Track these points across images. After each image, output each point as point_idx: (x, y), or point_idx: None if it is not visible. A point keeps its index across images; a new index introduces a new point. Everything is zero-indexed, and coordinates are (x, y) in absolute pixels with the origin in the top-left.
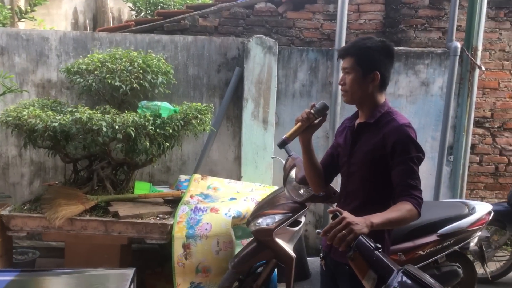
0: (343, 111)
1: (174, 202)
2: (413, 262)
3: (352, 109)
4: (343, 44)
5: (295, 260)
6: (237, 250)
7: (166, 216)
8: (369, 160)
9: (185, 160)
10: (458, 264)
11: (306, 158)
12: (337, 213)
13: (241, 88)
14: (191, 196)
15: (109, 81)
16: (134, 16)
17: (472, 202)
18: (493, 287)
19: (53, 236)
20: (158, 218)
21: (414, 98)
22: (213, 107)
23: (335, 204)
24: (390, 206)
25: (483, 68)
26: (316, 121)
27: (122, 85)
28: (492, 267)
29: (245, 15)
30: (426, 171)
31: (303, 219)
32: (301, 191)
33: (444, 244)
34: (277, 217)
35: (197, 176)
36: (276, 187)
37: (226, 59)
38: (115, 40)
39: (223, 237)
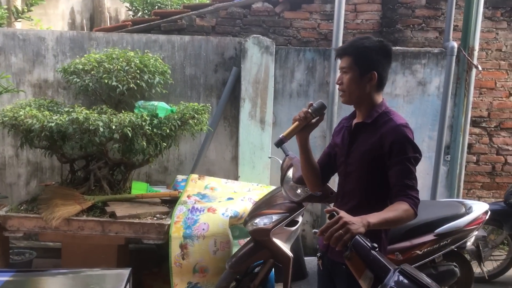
0: (340, 110)
1: (171, 202)
2: (410, 262)
3: (349, 108)
4: (340, 44)
5: (293, 260)
6: (235, 250)
7: (163, 216)
8: (366, 160)
9: (182, 160)
10: (455, 264)
11: (303, 158)
12: (334, 212)
13: (238, 88)
14: (188, 196)
15: (106, 81)
16: (131, 16)
17: (469, 202)
18: (490, 286)
19: (50, 236)
20: (155, 218)
21: (411, 98)
22: (210, 107)
23: (332, 204)
24: (387, 206)
25: (480, 68)
26: (313, 121)
27: (119, 85)
28: (489, 266)
29: (242, 15)
30: (423, 171)
31: (300, 219)
32: (298, 191)
33: (441, 243)
34: (274, 217)
35: (195, 176)
36: (273, 187)
37: (223, 59)
38: (112, 40)
39: (220, 237)
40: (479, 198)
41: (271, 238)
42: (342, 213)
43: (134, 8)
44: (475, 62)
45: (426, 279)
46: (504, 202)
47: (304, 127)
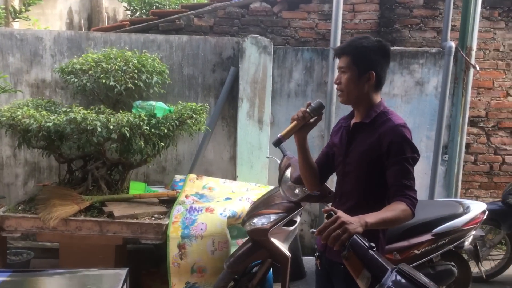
0: (338, 110)
1: (169, 202)
2: (408, 261)
3: (347, 108)
4: (338, 44)
5: (291, 260)
6: (233, 250)
7: (161, 216)
8: (364, 160)
9: (180, 160)
10: (452, 263)
11: (301, 157)
12: (332, 212)
13: (236, 87)
14: (186, 196)
15: (104, 81)
16: (129, 15)
17: (467, 201)
18: (487, 286)
19: (48, 236)
20: (153, 218)
21: (409, 97)
22: (208, 107)
23: (331, 203)
24: (385, 206)
25: (478, 68)
26: (311, 120)
27: (117, 85)
28: (487, 266)
29: (240, 15)
30: (421, 171)
31: (298, 219)
32: (296, 190)
33: (439, 243)
34: (272, 217)
35: (193, 176)
36: (271, 187)
37: (221, 59)
38: (109, 40)
39: (218, 237)
40: (477, 197)
41: (269, 238)
42: (340, 213)
43: (132, 8)
44: (473, 62)
45: (424, 279)
46: (501, 201)
47: (302, 127)
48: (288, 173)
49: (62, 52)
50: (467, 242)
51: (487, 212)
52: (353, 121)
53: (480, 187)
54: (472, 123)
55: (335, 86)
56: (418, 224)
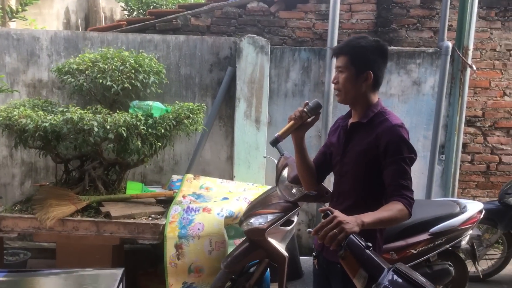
0: (335, 110)
1: (166, 202)
2: (405, 261)
3: (345, 108)
4: (335, 44)
5: (288, 260)
6: (230, 250)
7: (159, 216)
8: (362, 160)
9: (177, 160)
10: (449, 263)
11: (298, 157)
12: (328, 212)
13: (234, 87)
14: (184, 196)
15: (101, 81)
16: (126, 15)
17: (464, 201)
18: (484, 285)
19: (45, 236)
20: (150, 218)
21: (406, 97)
22: (206, 107)
23: (328, 203)
24: (382, 205)
25: (474, 68)
26: (309, 120)
27: (114, 85)
28: (484, 265)
29: (237, 15)
30: (418, 170)
31: (295, 219)
32: (294, 190)
33: (436, 242)
34: (270, 217)
35: (190, 176)
36: (268, 187)
37: (218, 59)
38: (106, 39)
39: (215, 237)
40: (473, 197)
41: (266, 238)
42: (337, 213)
43: (129, 7)
44: (469, 61)
45: (420, 278)
46: (498, 201)
47: (299, 126)
48: (285, 173)
49: (59, 52)
50: (464, 242)
51: (483, 212)
52: (350, 120)
53: (477, 186)
54: (469, 123)
55: (333, 85)
56: (415, 224)
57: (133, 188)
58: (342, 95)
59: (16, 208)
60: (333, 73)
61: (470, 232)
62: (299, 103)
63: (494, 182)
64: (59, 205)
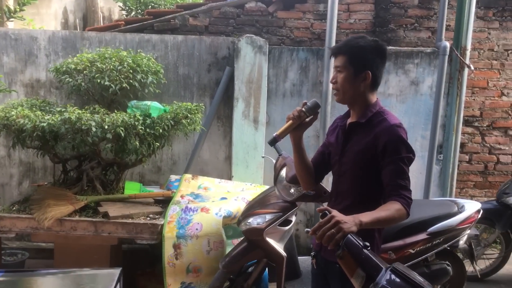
0: (333, 110)
1: (164, 202)
2: (403, 261)
3: (343, 108)
4: (333, 44)
5: (286, 259)
6: (228, 249)
7: (157, 216)
8: (360, 159)
9: (175, 160)
10: (447, 262)
11: (296, 156)
12: (326, 211)
13: (232, 87)
14: (182, 196)
15: (99, 80)
16: (124, 15)
17: (462, 201)
18: (482, 285)
19: (42, 237)
20: (148, 218)
21: (404, 97)
22: (204, 107)
23: (326, 203)
24: (381, 205)
25: (472, 68)
26: (307, 119)
27: (112, 85)
28: (482, 265)
29: (235, 15)
30: (416, 170)
31: (293, 218)
32: (292, 190)
33: (434, 242)
34: (268, 217)
35: (188, 176)
36: (266, 187)
37: (216, 59)
38: (104, 39)
39: (213, 237)
40: (471, 197)
41: (264, 238)
42: (334, 212)
43: (127, 7)
44: (467, 61)
45: (418, 278)
46: (496, 201)
47: (298, 126)
48: (283, 172)
49: (56, 52)
50: (462, 241)
51: (481, 211)
52: (349, 120)
53: (475, 186)
54: (466, 123)
55: (331, 85)
56: (413, 224)
57: (131, 188)
58: (340, 95)
59: (14, 208)
60: (331, 73)
61: (468, 231)
62: (297, 103)
63: (492, 182)
64: (57, 205)
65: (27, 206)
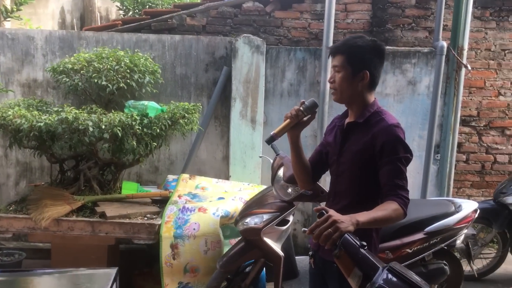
0: (331, 110)
1: (162, 202)
2: (400, 260)
3: (340, 108)
4: (331, 44)
5: (284, 259)
6: (225, 249)
7: (154, 216)
8: (358, 159)
9: (173, 160)
10: (444, 262)
11: (294, 155)
12: (323, 211)
13: (229, 87)
14: (179, 196)
15: (96, 80)
16: (122, 15)
17: (459, 200)
18: (479, 284)
19: (40, 237)
20: (145, 218)
21: (401, 97)
22: (201, 107)
23: (323, 203)
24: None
25: (469, 67)
26: (305, 119)
27: (109, 85)
28: (479, 264)
29: (232, 15)
30: (413, 170)
31: (291, 218)
32: (289, 190)
33: (431, 242)
34: (265, 216)
35: (185, 175)
36: (264, 186)
37: (213, 59)
38: (101, 39)
39: (211, 237)
40: (468, 196)
41: (262, 238)
42: (331, 212)
43: (124, 7)
44: (464, 61)
45: (415, 277)
46: (493, 200)
47: (295, 125)
48: (280, 172)
49: (53, 51)
50: (459, 241)
51: (478, 211)
52: (347, 120)
53: (472, 186)
54: (464, 123)
55: (328, 85)
56: (410, 223)
57: (128, 188)
58: (338, 94)
59: (11, 208)
60: (329, 72)
61: (465, 231)
62: (294, 103)
63: (489, 182)
64: (54, 205)
65: (24, 206)
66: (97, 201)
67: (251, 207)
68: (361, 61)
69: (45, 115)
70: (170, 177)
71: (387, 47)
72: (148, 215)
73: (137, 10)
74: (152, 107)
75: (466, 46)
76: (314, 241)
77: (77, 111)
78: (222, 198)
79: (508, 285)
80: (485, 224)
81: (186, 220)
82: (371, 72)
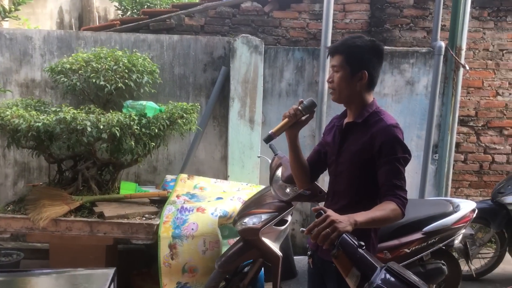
0: (329, 110)
1: (160, 202)
2: (398, 260)
3: (338, 108)
4: (329, 44)
5: (282, 259)
6: (224, 249)
7: (152, 216)
8: (357, 159)
9: (171, 160)
10: (443, 262)
11: (292, 155)
12: (321, 211)
13: (228, 87)
14: (178, 196)
15: (94, 80)
16: (120, 15)
17: (457, 200)
18: (477, 284)
19: (38, 237)
20: (144, 218)
21: (399, 97)
22: (199, 107)
23: (322, 203)
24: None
25: (467, 67)
26: (303, 118)
27: (107, 85)
28: (477, 264)
29: (231, 14)
30: (411, 170)
31: (289, 218)
32: (287, 190)
33: (429, 241)
34: (264, 216)
35: (184, 175)
36: (262, 186)
37: (212, 59)
38: (100, 39)
39: (209, 237)
40: (467, 196)
41: (260, 238)
42: (329, 212)
43: (123, 7)
44: (462, 61)
45: (413, 277)
46: (491, 200)
47: (293, 124)
48: (279, 172)
49: (52, 51)
50: (457, 241)
51: (476, 211)
52: (345, 120)
53: (470, 186)
54: (462, 123)
55: (327, 85)
56: (408, 223)
57: (126, 188)
58: (336, 94)
59: (9, 209)
60: (327, 72)
61: (463, 231)
62: (293, 103)
63: (487, 182)
64: (52, 205)
65: (22, 206)
66: (95, 201)
67: (249, 207)
68: (360, 61)
69: (43, 115)
70: (169, 177)
71: (385, 47)
72: (147, 215)
73: (135, 10)
74: (150, 107)
75: (464, 46)
76: (312, 241)
77: (75, 111)
78: (221, 198)
79: (506, 284)
80: (483, 224)
81: (184, 220)
82: (369, 72)
